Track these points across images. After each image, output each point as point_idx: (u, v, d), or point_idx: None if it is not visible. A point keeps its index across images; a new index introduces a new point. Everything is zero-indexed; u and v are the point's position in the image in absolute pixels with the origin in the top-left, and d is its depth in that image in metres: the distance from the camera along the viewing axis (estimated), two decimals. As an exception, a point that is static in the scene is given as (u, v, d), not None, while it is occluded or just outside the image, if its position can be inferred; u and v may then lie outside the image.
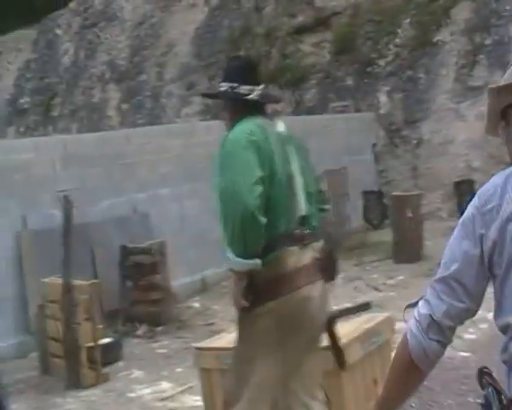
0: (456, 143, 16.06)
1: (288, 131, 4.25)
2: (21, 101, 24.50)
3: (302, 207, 4.07)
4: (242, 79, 4.17)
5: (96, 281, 8.34)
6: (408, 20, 18.01)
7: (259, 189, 3.79)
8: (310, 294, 4.00)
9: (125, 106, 21.05)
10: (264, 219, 3.79)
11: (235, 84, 4.17)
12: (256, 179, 3.79)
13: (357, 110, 17.55)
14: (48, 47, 24.88)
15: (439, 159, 16.09)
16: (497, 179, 2.47)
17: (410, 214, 12.03)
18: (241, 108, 4.17)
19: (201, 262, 11.60)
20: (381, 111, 17.24)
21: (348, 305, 6.78)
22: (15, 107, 24.62)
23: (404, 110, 17.00)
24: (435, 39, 17.40)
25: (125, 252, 9.73)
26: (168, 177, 11.68)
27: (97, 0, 24.05)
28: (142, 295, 9.49)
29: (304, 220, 4.06)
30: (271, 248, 3.92)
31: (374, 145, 16.83)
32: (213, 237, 12.01)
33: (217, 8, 21.32)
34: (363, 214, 13.05)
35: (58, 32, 24.72)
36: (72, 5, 24.95)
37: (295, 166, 4.10)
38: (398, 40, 17.97)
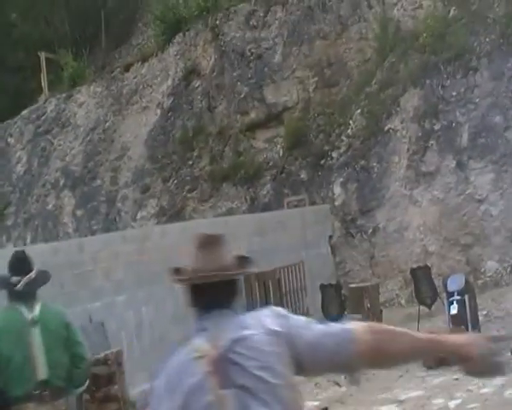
0: (411, 228, 16.17)
1: (42, 312, 5.60)
2: (-26, 212, 24.37)
3: (42, 373, 5.43)
4: (14, 271, 5.57)
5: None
6: (359, 111, 18.28)
7: None
8: None
9: (79, 212, 20.98)
10: None
11: (9, 276, 5.59)
12: None
13: (313, 203, 17.62)
14: (0, 156, 24.86)
15: (395, 246, 16.16)
16: (177, 355, 3.04)
17: (367, 305, 12.00)
18: (9, 295, 5.59)
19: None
20: (336, 202, 17.34)
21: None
22: (-33, 218, 24.44)
23: (358, 200, 17.12)
24: (386, 128, 17.65)
25: (81, 364, 9.50)
26: (123, 283, 11.57)
27: (50, 107, 24.16)
28: (99, 408, 9.26)
29: (44, 383, 5.41)
30: (11, 403, 5.31)
31: (330, 237, 16.88)
32: (171, 341, 11.87)
33: (169, 109, 21.51)
34: (321, 307, 12.98)
35: (10, 140, 24.74)
36: (24, 113, 25.03)
37: (38, 344, 5.48)
38: (349, 131, 18.20)
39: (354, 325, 3.01)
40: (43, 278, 5.79)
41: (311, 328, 3.00)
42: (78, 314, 10.49)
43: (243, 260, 3.17)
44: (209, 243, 3.10)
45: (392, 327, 3.05)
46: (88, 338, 10.29)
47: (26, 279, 5.54)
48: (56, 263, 10.68)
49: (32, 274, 5.62)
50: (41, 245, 13.93)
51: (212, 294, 3.06)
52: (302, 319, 3.06)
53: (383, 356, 3.00)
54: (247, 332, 2.93)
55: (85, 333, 10.34)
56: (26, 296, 5.56)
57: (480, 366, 2.91)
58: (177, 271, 3.17)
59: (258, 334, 2.93)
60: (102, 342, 10.34)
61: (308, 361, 2.95)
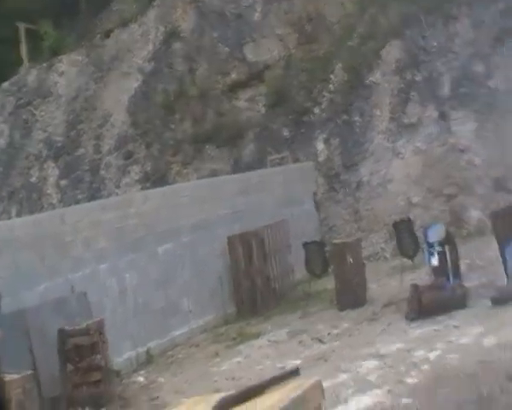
0: (395, 181, 16.15)
1: None
2: (-42, 186, 24.24)
3: None
4: None
5: (28, 373, 8.12)
6: (340, 65, 18.17)
7: None
8: None
9: (63, 182, 20.88)
10: None
11: None
12: None
13: (296, 160, 17.58)
14: (-18, 130, 24.69)
15: (379, 199, 16.15)
16: None
17: (350, 260, 12.00)
18: None
19: (145, 334, 11.46)
20: (320, 158, 17.29)
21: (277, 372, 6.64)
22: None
23: (341, 155, 17.07)
24: (368, 81, 17.57)
25: (63, 335, 9.53)
26: (105, 252, 11.54)
27: (30, 78, 23.94)
28: (83, 378, 9.30)
29: None
30: None
31: (314, 194, 16.85)
32: (155, 307, 11.92)
33: (150, 74, 21.34)
34: (305, 265, 12.98)
35: (-8, 114, 24.57)
36: (4, 85, 24.80)
37: None
38: (331, 86, 18.11)
39: None
40: None
41: None
42: (59, 285, 10.52)
43: None
44: None
45: None
46: (71, 309, 10.35)
47: None
48: (38, 235, 10.67)
49: None
50: (22, 218, 13.91)
51: None
52: None
53: None
54: None
55: (68, 304, 10.39)
56: None
57: None
58: None
59: None
60: (85, 312, 10.34)
61: None
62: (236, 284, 13.44)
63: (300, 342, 10.67)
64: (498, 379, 7.22)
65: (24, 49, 25.69)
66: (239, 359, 10.55)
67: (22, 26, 26.09)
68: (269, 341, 11.12)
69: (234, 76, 19.88)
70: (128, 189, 19.24)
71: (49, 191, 20.94)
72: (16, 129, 23.29)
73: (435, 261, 10.95)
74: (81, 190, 20.28)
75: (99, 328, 9.65)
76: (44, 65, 24.02)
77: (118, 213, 12.10)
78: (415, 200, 15.65)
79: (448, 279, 10.81)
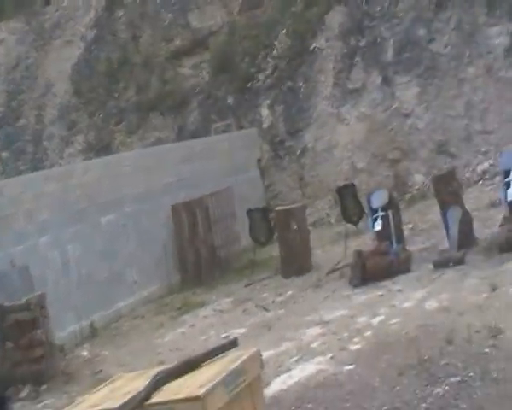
0: (339, 146, 16.17)
1: None
2: None
3: None
4: None
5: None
6: (284, 31, 18.07)
7: None
8: None
9: (5, 154, 20.52)
10: None
11: None
12: None
13: (240, 127, 17.48)
14: None
15: (324, 165, 16.18)
16: None
17: (295, 227, 12.00)
18: None
19: (89, 307, 11.34)
20: (264, 125, 17.23)
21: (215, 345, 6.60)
22: None
23: (286, 121, 17.03)
24: (312, 47, 17.50)
25: (3, 311, 9.39)
26: (47, 224, 11.37)
27: (-32, 47, 23.43)
28: (23, 355, 9.17)
29: None
30: None
31: (259, 160, 16.81)
32: (99, 278, 11.80)
33: (93, 41, 21.01)
34: (249, 233, 12.94)
35: None
36: None
37: None
38: (275, 52, 18.01)
39: None
40: None
41: None
42: (0, 260, 10.32)
43: None
44: None
45: None
46: (12, 283, 10.17)
47: None
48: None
49: None
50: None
51: None
52: None
53: None
54: None
55: (8, 278, 10.20)
56: None
57: None
58: None
59: None
60: (27, 287, 10.18)
61: None
62: (181, 253, 13.35)
63: (245, 310, 10.66)
64: (438, 343, 7.29)
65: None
66: (183, 329, 10.52)
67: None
68: (213, 310, 11.10)
69: (178, 43, 19.65)
70: (71, 159, 18.96)
71: (-11, 163, 20.59)
72: (-46, 100, 22.81)
73: (378, 226, 10.99)
74: (23, 162, 19.94)
75: (40, 302, 9.52)
76: (-18, 33, 23.49)
77: (59, 185, 11.94)
78: (359, 165, 15.69)
79: (391, 244, 10.86)
